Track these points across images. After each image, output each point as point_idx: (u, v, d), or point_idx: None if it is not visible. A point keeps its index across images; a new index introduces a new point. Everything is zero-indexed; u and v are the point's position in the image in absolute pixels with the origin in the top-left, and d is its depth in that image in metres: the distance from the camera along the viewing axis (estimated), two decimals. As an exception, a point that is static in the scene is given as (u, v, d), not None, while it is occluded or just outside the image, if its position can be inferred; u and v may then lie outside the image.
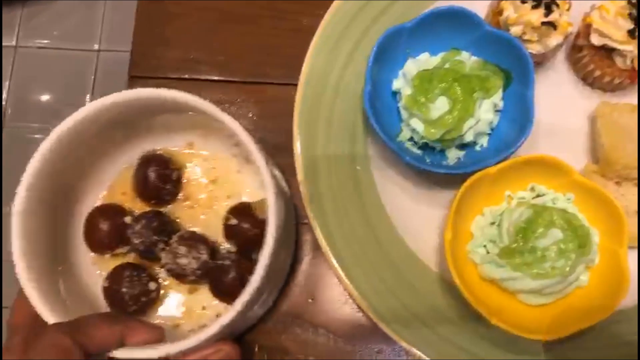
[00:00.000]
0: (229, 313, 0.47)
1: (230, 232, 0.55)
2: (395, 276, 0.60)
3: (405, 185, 0.63)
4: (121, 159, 0.58)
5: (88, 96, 1.20)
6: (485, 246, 0.58)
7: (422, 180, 0.63)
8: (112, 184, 0.58)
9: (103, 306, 0.55)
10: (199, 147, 0.58)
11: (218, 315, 0.54)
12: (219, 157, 0.58)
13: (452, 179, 0.61)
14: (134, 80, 0.69)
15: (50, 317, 0.46)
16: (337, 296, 0.63)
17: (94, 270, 0.57)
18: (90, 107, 0.50)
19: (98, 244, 0.55)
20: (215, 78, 0.69)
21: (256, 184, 0.57)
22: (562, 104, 0.64)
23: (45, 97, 1.25)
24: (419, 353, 0.58)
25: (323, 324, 0.63)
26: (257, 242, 0.53)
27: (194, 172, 0.58)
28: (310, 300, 0.64)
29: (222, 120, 0.50)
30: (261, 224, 0.53)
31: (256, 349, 0.63)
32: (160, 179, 0.55)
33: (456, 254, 0.56)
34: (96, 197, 0.58)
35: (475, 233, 0.59)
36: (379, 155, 0.63)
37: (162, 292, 0.56)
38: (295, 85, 0.67)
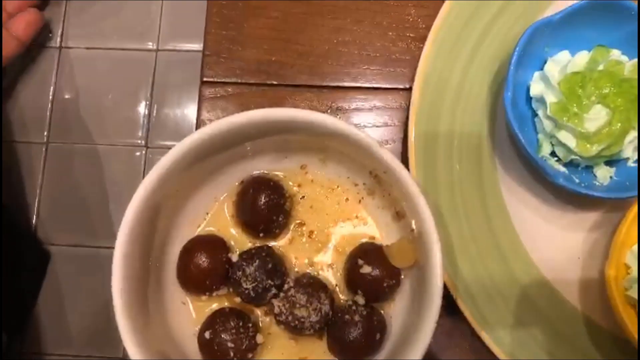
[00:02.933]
0: None
1: (358, 279, 0.45)
2: (531, 312, 0.52)
3: (539, 207, 0.54)
4: (223, 184, 0.49)
5: (144, 104, 0.97)
6: (645, 281, 0.49)
7: (557, 200, 0.54)
8: (212, 212, 0.49)
9: (193, 354, 0.46)
10: (314, 171, 0.49)
11: (330, 374, 0.46)
12: (337, 184, 0.49)
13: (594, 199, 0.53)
14: (207, 85, 0.60)
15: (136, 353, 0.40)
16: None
17: (184, 311, 0.48)
18: (202, 133, 0.41)
19: (194, 283, 0.46)
20: (304, 83, 0.59)
21: (381, 220, 0.48)
22: None
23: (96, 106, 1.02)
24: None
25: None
26: (388, 294, 0.46)
27: (307, 200, 0.49)
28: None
29: (362, 142, 0.41)
30: (397, 275, 0.45)
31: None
32: (272, 210, 0.46)
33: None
34: (195, 227, 0.49)
35: (633, 265, 0.50)
36: (508, 174, 0.54)
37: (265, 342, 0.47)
38: (400, 89, 0.58)
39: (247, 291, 0.45)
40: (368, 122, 0.58)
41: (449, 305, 0.52)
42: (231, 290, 0.46)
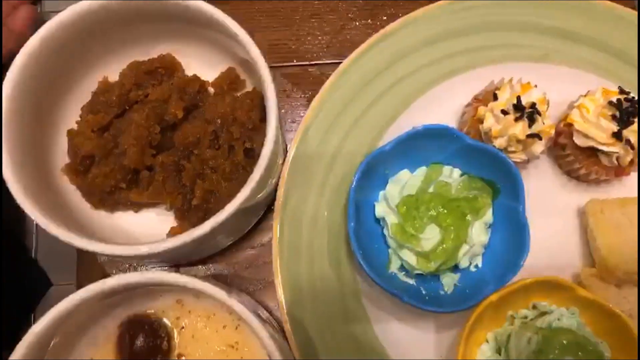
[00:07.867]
0: None
1: None
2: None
3: (398, 313, 0.58)
4: (104, 328, 0.52)
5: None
6: (494, 376, 0.54)
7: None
8: (96, 357, 0.51)
9: None
10: (190, 303, 0.53)
11: None
12: (213, 312, 0.52)
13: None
14: None
15: None
16: None
17: None
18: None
19: None
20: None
21: (255, 342, 0.51)
22: (549, 200, 0.61)
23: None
24: None
25: None
26: None
27: (187, 330, 0.52)
28: None
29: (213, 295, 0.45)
30: None
31: None
32: (149, 352, 0.50)
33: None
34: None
35: (484, 360, 0.55)
36: (368, 286, 0.58)
37: None
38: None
39: None
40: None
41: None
42: None
